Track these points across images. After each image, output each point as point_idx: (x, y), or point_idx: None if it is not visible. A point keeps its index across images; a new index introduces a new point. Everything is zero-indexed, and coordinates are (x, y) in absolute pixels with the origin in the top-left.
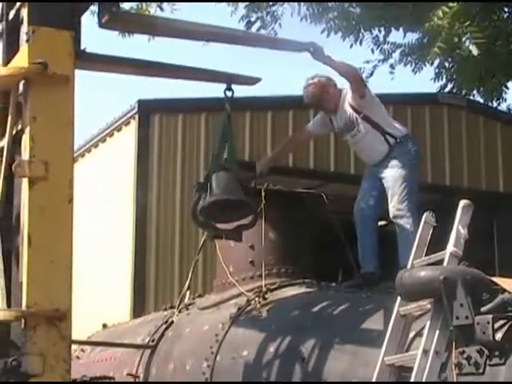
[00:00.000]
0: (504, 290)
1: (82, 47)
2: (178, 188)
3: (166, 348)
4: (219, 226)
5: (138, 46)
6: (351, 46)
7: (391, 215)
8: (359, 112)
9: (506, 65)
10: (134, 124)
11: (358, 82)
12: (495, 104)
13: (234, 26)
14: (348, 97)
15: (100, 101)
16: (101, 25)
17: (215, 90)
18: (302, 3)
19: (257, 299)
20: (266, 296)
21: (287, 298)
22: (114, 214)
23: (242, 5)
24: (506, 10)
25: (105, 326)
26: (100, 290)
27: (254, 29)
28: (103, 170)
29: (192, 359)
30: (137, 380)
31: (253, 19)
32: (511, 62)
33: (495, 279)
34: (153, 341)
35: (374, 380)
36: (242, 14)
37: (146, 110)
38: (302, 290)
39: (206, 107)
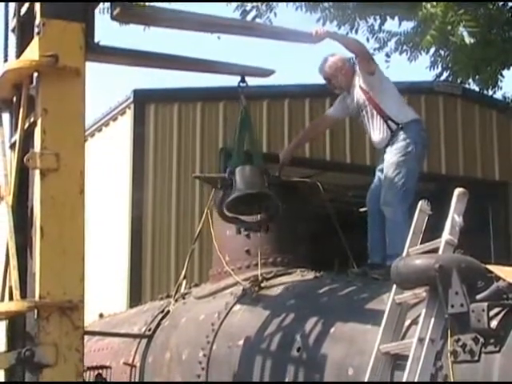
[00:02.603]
0: (499, 278)
1: (96, 40)
2: (174, 178)
3: (162, 337)
4: (246, 218)
5: (148, 37)
6: (347, 34)
7: (380, 202)
8: (366, 93)
9: (502, 53)
10: (129, 113)
11: (367, 58)
12: (491, 92)
13: (229, 15)
14: (359, 78)
15: (95, 90)
16: (112, 17)
17: (210, 80)
18: None
19: (253, 288)
20: (262, 285)
21: (283, 287)
22: (110, 203)
23: None
24: None
25: (101, 315)
26: (96, 280)
27: (249, 18)
28: (99, 159)
29: (188, 348)
30: (133, 369)
31: (248, 8)
32: (506, 50)
33: (490, 267)
34: (149, 330)
35: (369, 368)
36: (237, 3)
37: (142, 99)
38: (298, 278)
39: (202, 96)
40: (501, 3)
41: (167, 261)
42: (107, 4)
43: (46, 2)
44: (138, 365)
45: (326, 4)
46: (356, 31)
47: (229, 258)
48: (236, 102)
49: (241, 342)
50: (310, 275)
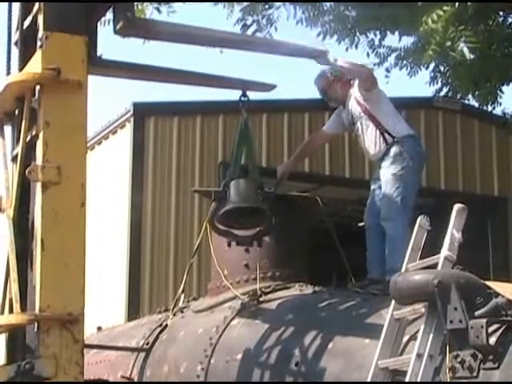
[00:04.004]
0: (498, 294)
1: (99, 53)
2: (173, 190)
3: (160, 351)
4: (238, 232)
5: (147, 51)
6: (347, 49)
7: (380, 218)
8: (362, 105)
9: (501, 69)
10: (129, 127)
11: (369, 79)
12: (490, 108)
13: (229, 29)
14: (355, 90)
15: (95, 103)
16: (116, 31)
17: (209, 94)
18: (297, 7)
19: (251, 302)
20: (261, 299)
21: (281, 301)
22: (109, 216)
23: (237, 8)
24: (500, 13)
25: (99, 328)
26: (95, 293)
27: (249, 32)
28: (99, 172)
29: (186, 362)
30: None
31: (248, 22)
32: (506, 65)
33: (489, 283)
34: (147, 344)
35: None
36: (237, 17)
37: (141, 112)
38: (297, 293)
39: (201, 110)
40: (501, 19)
41: (165, 274)
42: (108, 16)
43: (49, 1)
44: (136, 378)
45: (326, 18)
46: (356, 46)
47: (227, 271)
48: (235, 115)
49: (239, 356)
50: (309, 290)
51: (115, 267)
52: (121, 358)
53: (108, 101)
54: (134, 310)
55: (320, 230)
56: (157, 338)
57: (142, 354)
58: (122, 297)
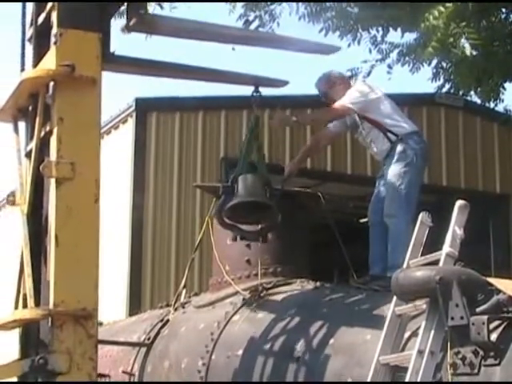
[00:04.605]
0: (499, 291)
1: (112, 49)
2: (174, 186)
3: (161, 346)
4: (244, 227)
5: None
6: (349, 45)
7: (384, 214)
8: (360, 114)
9: (503, 65)
10: (131, 122)
11: (341, 114)
12: (492, 105)
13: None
14: None
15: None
16: (128, 28)
17: (211, 89)
18: (300, 2)
19: (252, 298)
20: (262, 295)
21: (283, 297)
22: (110, 211)
23: (240, 3)
24: (503, 10)
25: (101, 323)
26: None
27: (251, 28)
28: (101, 167)
29: (187, 357)
30: (132, 378)
31: (251, 18)
32: (508, 62)
33: (491, 280)
34: (148, 339)
35: (368, 380)
36: (239, 12)
37: (144, 108)
38: (298, 289)
39: (203, 105)
40: (503, 16)
41: (167, 269)
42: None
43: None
44: (137, 373)
45: (328, 14)
46: (358, 42)
47: (229, 267)
48: (237, 111)
49: (240, 352)
50: (310, 285)
51: (117, 262)
52: (122, 353)
53: (110, 96)
54: (135, 305)
55: (322, 226)
56: (158, 333)
57: (143, 350)
58: (123, 292)
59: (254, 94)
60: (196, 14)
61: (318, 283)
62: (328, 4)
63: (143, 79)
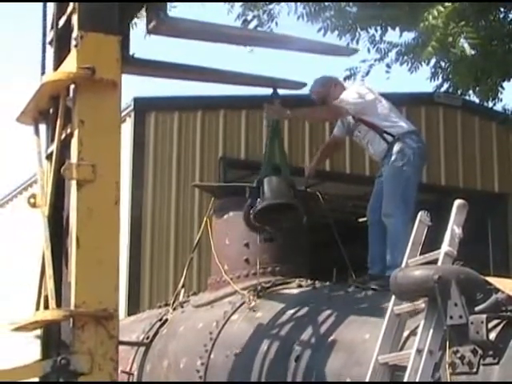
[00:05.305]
0: (498, 290)
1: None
2: (173, 186)
3: (160, 345)
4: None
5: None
6: (347, 44)
7: (381, 214)
8: (355, 117)
9: (502, 65)
10: (129, 121)
11: (337, 115)
12: (491, 104)
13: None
14: None
15: None
16: (148, 30)
17: (210, 89)
18: (298, 2)
19: (251, 297)
20: (261, 294)
21: (281, 297)
22: None
23: (238, 3)
24: (502, 10)
25: None
26: None
27: (250, 27)
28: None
29: (186, 357)
30: (131, 377)
31: (249, 18)
32: (507, 62)
33: (489, 279)
34: (147, 338)
35: (367, 379)
36: (238, 12)
37: (142, 107)
38: (297, 288)
39: (202, 105)
40: (502, 15)
41: (166, 269)
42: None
43: (83, 1)
44: (136, 373)
45: (327, 14)
46: (357, 41)
47: (228, 266)
48: (236, 110)
49: (239, 351)
50: (309, 285)
51: None
52: (121, 352)
53: None
54: (134, 305)
55: (321, 226)
56: (157, 332)
57: (142, 349)
58: (122, 291)
59: (273, 95)
60: (196, 14)
61: (316, 282)
62: (327, 3)
63: (142, 79)
